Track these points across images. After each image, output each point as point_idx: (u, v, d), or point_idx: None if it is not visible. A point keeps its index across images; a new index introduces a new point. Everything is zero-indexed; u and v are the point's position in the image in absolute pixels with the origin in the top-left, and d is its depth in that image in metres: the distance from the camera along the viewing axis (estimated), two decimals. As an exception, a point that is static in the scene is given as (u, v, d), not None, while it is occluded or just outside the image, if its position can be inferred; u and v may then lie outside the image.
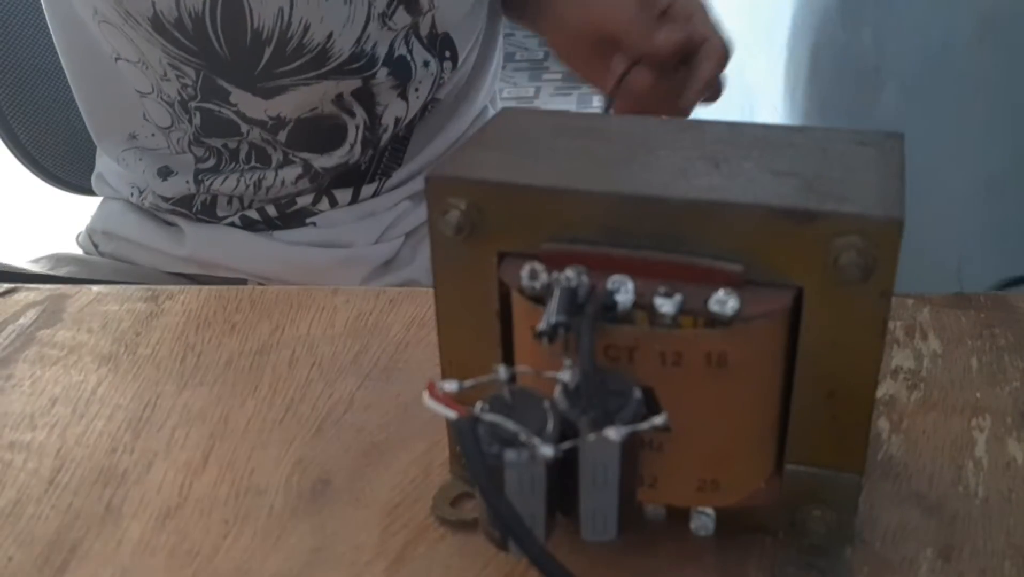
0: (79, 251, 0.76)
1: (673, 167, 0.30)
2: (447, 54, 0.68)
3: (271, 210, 0.69)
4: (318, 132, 0.66)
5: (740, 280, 0.28)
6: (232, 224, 0.70)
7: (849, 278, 0.27)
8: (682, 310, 0.27)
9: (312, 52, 0.61)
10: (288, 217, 0.70)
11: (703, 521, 0.31)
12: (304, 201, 0.69)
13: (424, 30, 0.66)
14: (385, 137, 0.68)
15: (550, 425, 0.25)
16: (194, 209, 0.69)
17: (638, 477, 0.29)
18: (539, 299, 0.28)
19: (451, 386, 0.27)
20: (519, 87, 2.32)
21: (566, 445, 0.25)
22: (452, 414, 0.26)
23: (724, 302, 0.27)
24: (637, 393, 0.26)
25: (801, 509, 0.31)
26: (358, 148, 0.67)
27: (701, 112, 0.57)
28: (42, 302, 0.50)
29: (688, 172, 0.30)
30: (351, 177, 0.69)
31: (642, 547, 0.32)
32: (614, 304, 0.27)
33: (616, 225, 0.28)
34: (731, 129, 0.33)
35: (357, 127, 0.66)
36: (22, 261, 0.71)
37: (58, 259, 0.72)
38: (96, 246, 0.75)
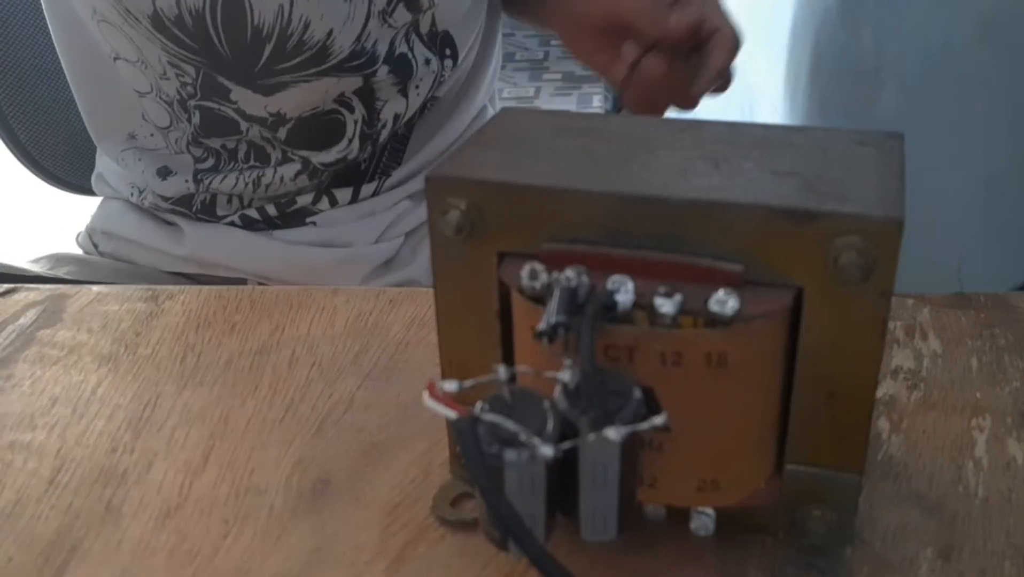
0: (79, 251, 0.76)
1: (673, 167, 0.30)
2: (447, 52, 0.68)
3: (271, 209, 0.69)
4: (317, 128, 0.66)
5: (740, 280, 0.28)
6: (232, 223, 0.70)
7: (849, 278, 0.27)
8: (682, 310, 0.27)
9: (312, 49, 0.61)
10: (288, 216, 0.70)
11: (703, 521, 0.31)
12: (304, 200, 0.69)
13: (424, 28, 0.66)
14: (384, 134, 0.68)
15: (550, 425, 0.25)
16: (194, 208, 0.69)
17: (638, 477, 0.29)
18: (539, 299, 0.28)
19: (451, 386, 0.27)
20: (519, 87, 2.32)
21: (566, 445, 0.25)
22: (452, 414, 0.26)
23: (724, 302, 0.27)
24: (637, 393, 0.26)
25: (801, 509, 0.31)
26: (356, 143, 0.67)
27: (704, 110, 0.56)
28: (42, 302, 0.50)
29: (688, 172, 0.30)
30: (351, 176, 0.69)
31: (642, 547, 0.32)
32: (614, 304, 0.27)
33: (616, 225, 0.28)
34: (731, 129, 0.33)
35: (355, 122, 0.66)
36: (22, 261, 0.70)
37: (58, 259, 0.72)
38: (96, 246, 0.75)
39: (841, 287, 0.27)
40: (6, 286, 0.51)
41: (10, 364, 0.45)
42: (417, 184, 0.72)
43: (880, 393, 0.40)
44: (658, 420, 0.26)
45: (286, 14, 0.59)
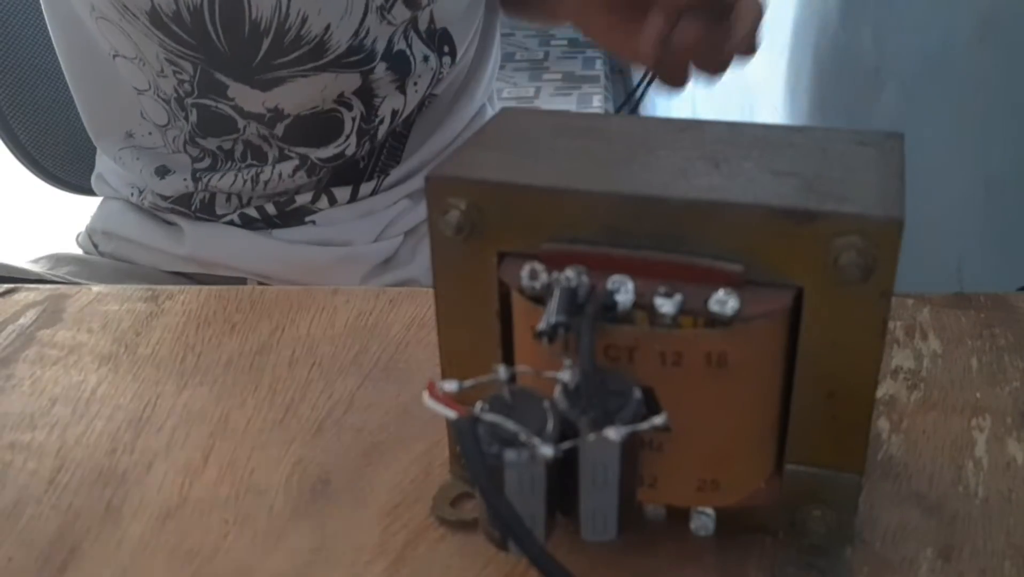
0: (79, 251, 0.76)
1: (673, 167, 0.30)
2: (446, 49, 0.68)
3: (270, 208, 0.69)
4: (314, 125, 0.66)
5: (740, 280, 0.28)
6: (231, 222, 0.70)
7: (849, 278, 0.27)
8: (682, 310, 0.27)
9: (310, 44, 0.61)
10: (287, 215, 0.70)
11: (703, 521, 0.31)
12: (303, 199, 0.69)
13: (423, 25, 0.66)
14: (382, 130, 0.68)
15: (550, 425, 0.25)
16: (193, 208, 0.69)
17: (638, 477, 0.29)
18: (539, 299, 0.28)
19: (451, 386, 0.27)
20: (519, 87, 2.32)
21: (566, 445, 0.25)
22: (452, 414, 0.26)
23: (724, 302, 0.27)
24: (637, 393, 0.26)
25: (801, 509, 0.31)
26: (354, 139, 0.67)
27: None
28: (42, 302, 0.50)
29: (688, 172, 0.30)
30: (350, 175, 0.70)
31: (642, 547, 0.32)
32: (614, 304, 0.27)
33: (616, 225, 0.28)
34: (731, 129, 0.33)
35: (353, 119, 0.66)
36: (22, 261, 0.70)
37: (58, 259, 0.72)
38: (96, 246, 0.75)
39: (841, 287, 0.27)
40: (6, 286, 0.51)
41: (10, 364, 0.45)
42: (416, 183, 0.73)
43: (880, 393, 0.40)
44: (658, 420, 0.26)
45: (284, 8, 0.59)
